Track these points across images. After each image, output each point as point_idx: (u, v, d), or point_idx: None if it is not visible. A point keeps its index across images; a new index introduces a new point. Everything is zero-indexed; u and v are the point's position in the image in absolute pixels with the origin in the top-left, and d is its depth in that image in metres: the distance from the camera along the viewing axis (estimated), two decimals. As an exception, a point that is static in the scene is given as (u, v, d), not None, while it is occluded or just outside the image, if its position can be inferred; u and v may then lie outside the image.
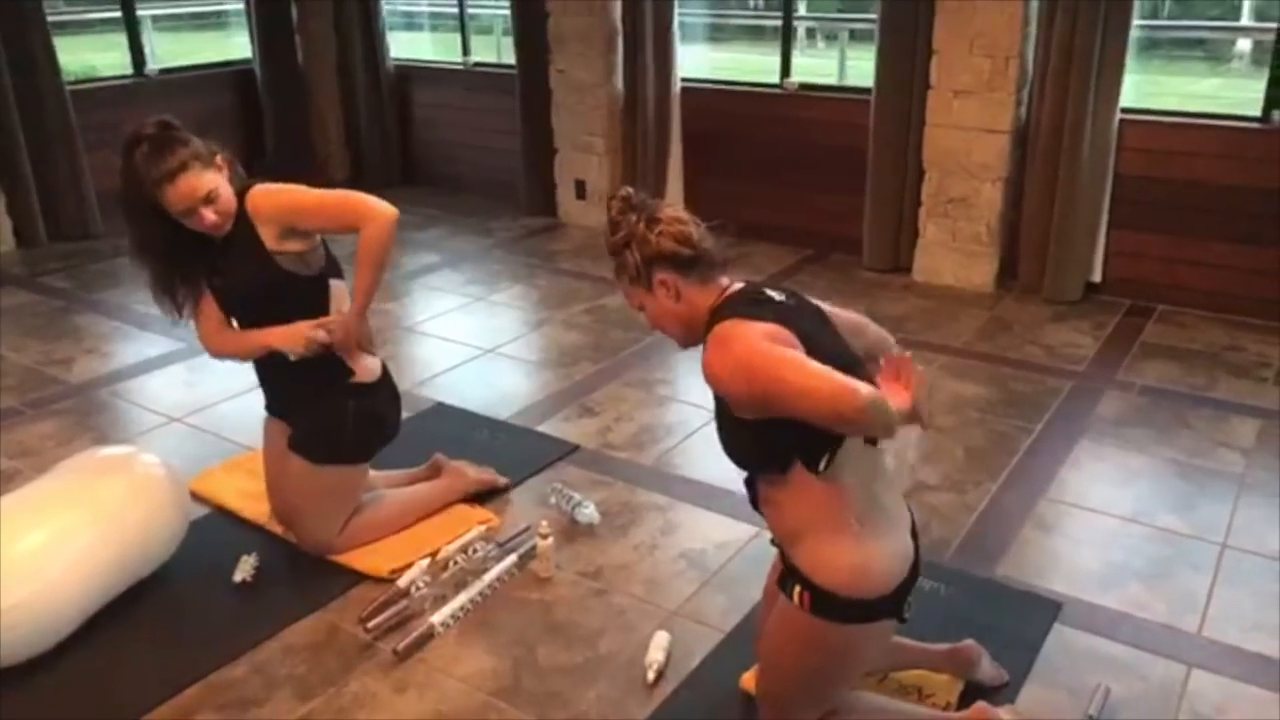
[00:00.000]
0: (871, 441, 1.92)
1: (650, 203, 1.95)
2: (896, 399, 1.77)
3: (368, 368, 2.74)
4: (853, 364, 1.94)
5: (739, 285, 1.96)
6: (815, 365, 1.72)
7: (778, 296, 1.93)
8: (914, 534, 1.99)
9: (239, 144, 6.78)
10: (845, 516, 1.85)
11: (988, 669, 2.29)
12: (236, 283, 2.59)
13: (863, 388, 1.67)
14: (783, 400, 1.72)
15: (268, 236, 2.52)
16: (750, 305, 1.88)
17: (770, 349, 1.75)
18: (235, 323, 2.67)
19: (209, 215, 2.45)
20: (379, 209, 2.54)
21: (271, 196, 2.53)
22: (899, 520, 1.95)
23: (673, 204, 1.99)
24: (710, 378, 1.82)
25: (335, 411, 2.69)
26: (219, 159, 2.50)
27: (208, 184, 2.43)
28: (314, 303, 2.63)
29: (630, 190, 1.98)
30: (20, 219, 5.61)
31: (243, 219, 2.52)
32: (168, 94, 6.43)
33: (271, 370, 2.71)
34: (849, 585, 1.85)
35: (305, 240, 2.59)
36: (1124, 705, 2.24)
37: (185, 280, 2.59)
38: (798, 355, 1.75)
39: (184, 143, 2.42)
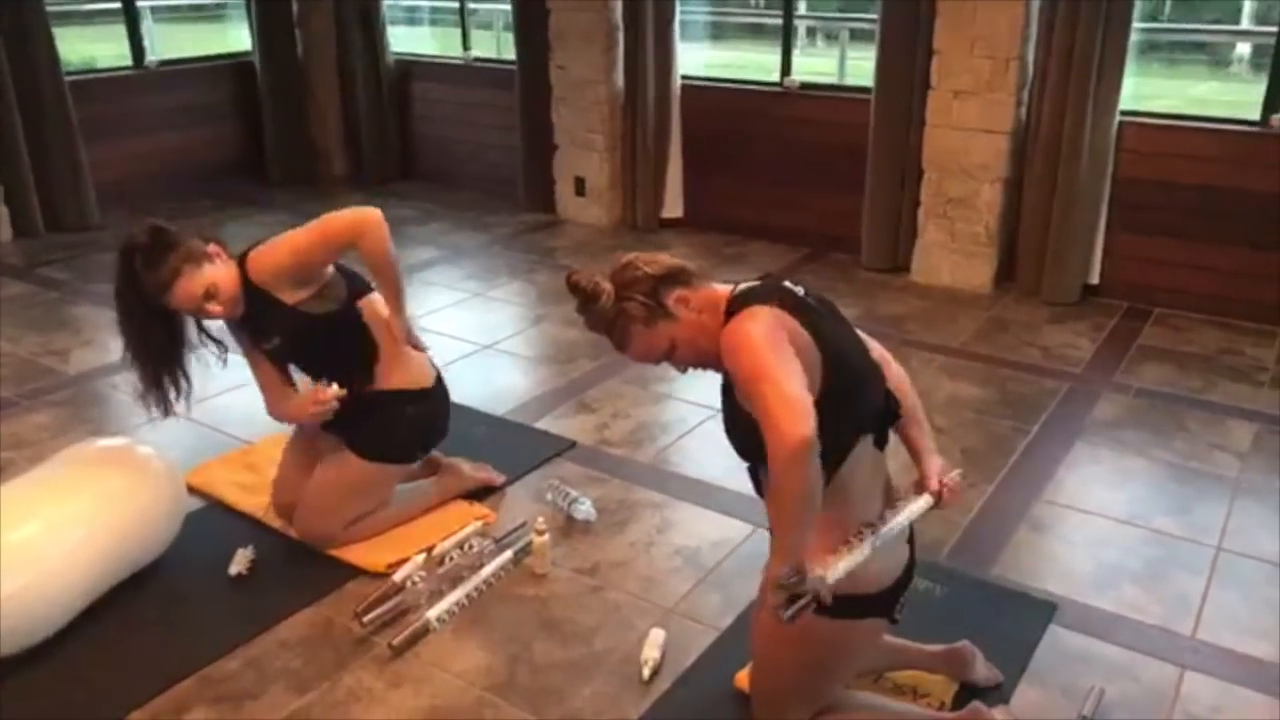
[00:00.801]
0: (879, 446, 1.92)
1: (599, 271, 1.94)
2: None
3: (420, 372, 2.83)
4: (869, 365, 1.92)
5: (751, 282, 1.92)
6: (806, 397, 1.63)
7: (798, 291, 1.89)
8: (910, 539, 1.99)
9: (238, 137, 6.79)
10: (840, 519, 1.86)
11: (981, 670, 2.29)
12: (280, 344, 2.68)
13: (807, 468, 1.60)
14: (754, 409, 1.68)
15: (285, 294, 2.60)
16: (773, 294, 1.84)
17: (777, 357, 1.68)
18: (298, 370, 2.79)
19: (214, 309, 2.55)
20: (362, 217, 2.61)
21: (268, 259, 2.59)
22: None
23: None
24: (723, 349, 1.77)
25: (393, 415, 2.77)
26: (210, 249, 2.55)
27: (205, 281, 2.50)
28: (353, 330, 2.71)
29: (572, 270, 1.95)
30: (18, 210, 5.59)
31: (255, 290, 2.59)
32: (167, 86, 6.43)
33: (311, 374, 2.78)
34: (847, 581, 1.84)
35: (320, 279, 2.65)
36: (1118, 707, 2.25)
37: (176, 376, 2.62)
38: (791, 378, 1.66)
39: (174, 248, 2.48)
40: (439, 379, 2.89)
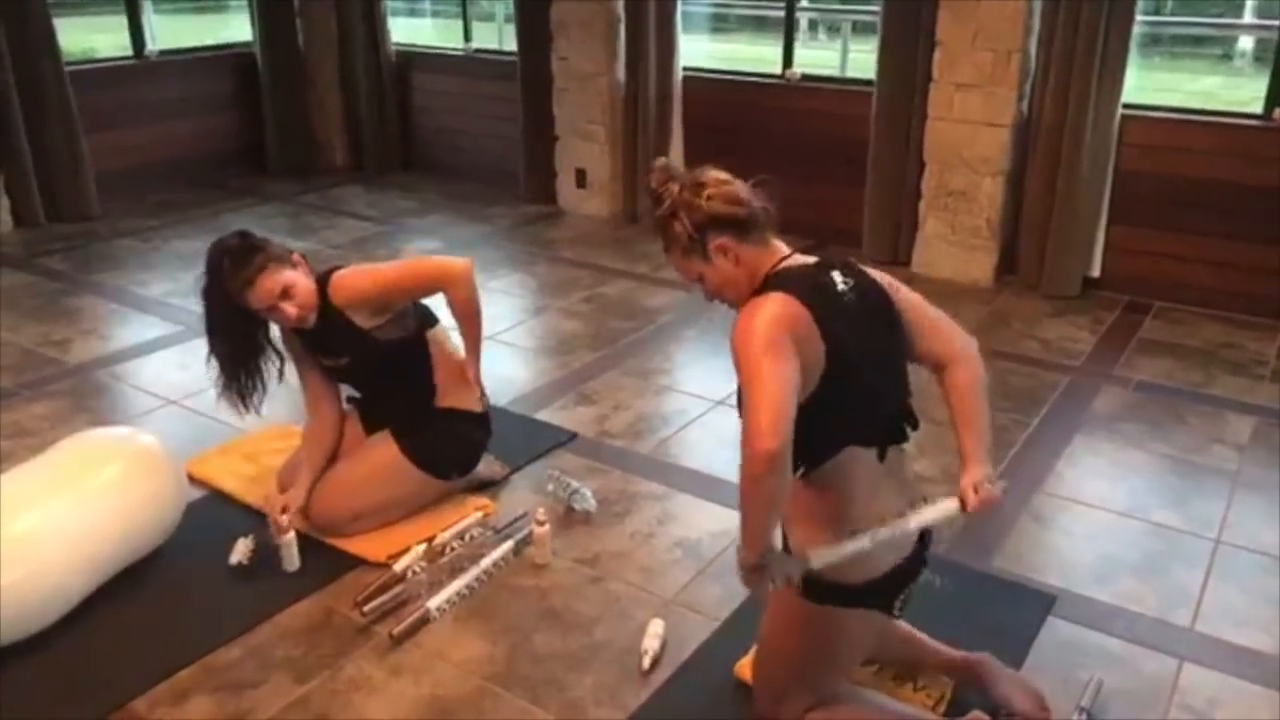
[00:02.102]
0: (880, 457, 1.90)
1: (691, 170, 1.86)
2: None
3: (474, 400, 2.93)
4: (887, 381, 1.88)
5: (810, 258, 1.86)
6: (784, 409, 1.63)
7: (840, 284, 1.83)
8: (923, 538, 1.98)
9: (238, 128, 6.78)
10: (836, 516, 1.87)
11: (1014, 694, 2.13)
12: (347, 364, 2.79)
13: (769, 479, 1.64)
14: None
15: (360, 319, 2.71)
16: (802, 282, 1.79)
17: (771, 361, 1.67)
18: (354, 389, 2.94)
19: (289, 309, 2.62)
20: (455, 268, 2.76)
21: (350, 284, 2.70)
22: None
23: (713, 168, 1.87)
24: (735, 330, 1.76)
25: (446, 428, 2.87)
26: (294, 257, 2.68)
27: (284, 280, 2.61)
28: (418, 357, 2.84)
29: (667, 160, 1.91)
30: (18, 200, 5.59)
31: (332, 308, 2.68)
32: (168, 76, 6.41)
33: (371, 406, 2.94)
34: (832, 568, 1.86)
35: (393, 308, 2.75)
36: (1116, 698, 2.25)
37: (254, 376, 2.75)
38: (779, 385, 1.65)
39: (261, 249, 2.61)
40: (487, 412, 2.98)
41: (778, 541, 1.88)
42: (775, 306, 1.74)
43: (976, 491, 1.82)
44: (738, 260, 1.82)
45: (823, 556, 1.81)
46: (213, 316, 2.66)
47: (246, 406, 2.77)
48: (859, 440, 1.86)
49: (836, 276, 1.84)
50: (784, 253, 1.87)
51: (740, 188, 1.84)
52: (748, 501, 1.72)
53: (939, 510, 1.87)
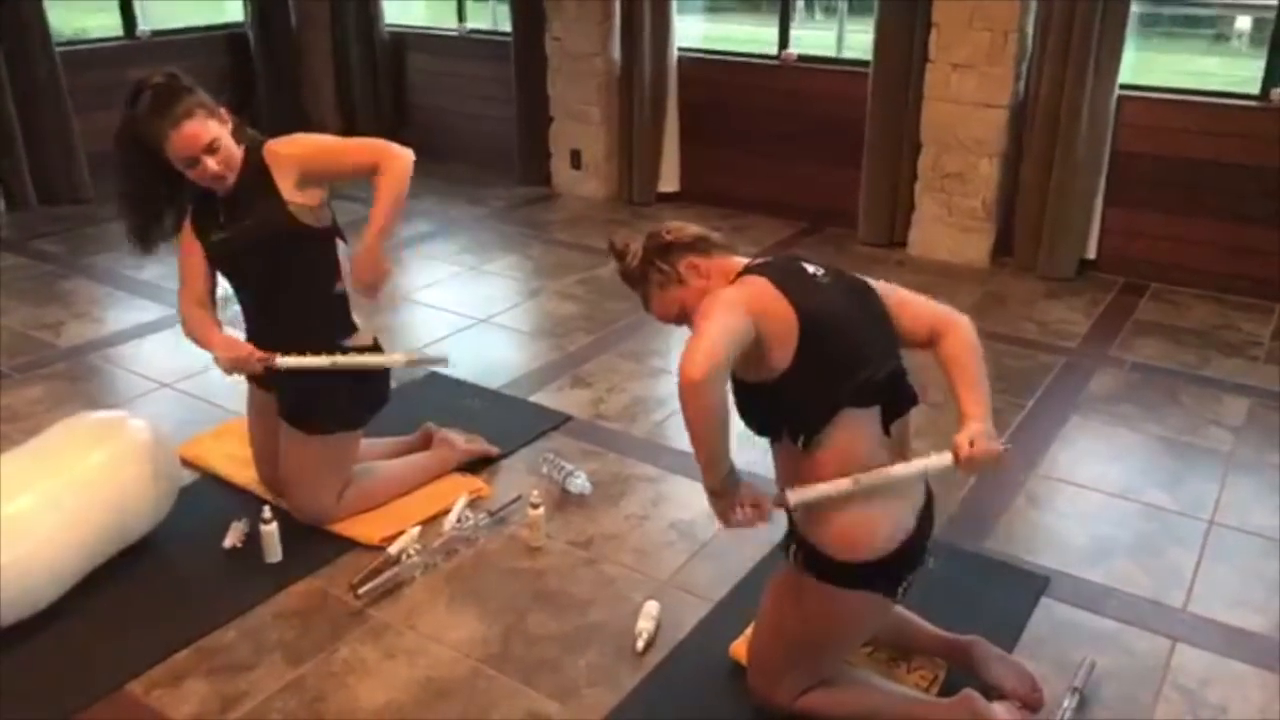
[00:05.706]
0: (885, 429, 1.91)
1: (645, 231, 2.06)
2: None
3: (362, 333, 2.73)
4: (868, 348, 1.91)
5: (776, 256, 2.04)
6: (718, 349, 1.72)
7: (813, 271, 1.97)
8: (928, 518, 1.99)
9: (231, 109, 6.71)
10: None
11: (1007, 677, 2.15)
12: (243, 231, 2.54)
13: (695, 398, 1.72)
14: None
15: (285, 185, 2.53)
16: (773, 268, 1.93)
17: (723, 312, 1.78)
18: (233, 285, 2.66)
19: (211, 164, 2.44)
20: (399, 149, 2.61)
21: (292, 144, 2.57)
22: (905, 499, 1.93)
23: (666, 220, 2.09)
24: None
25: (330, 386, 2.65)
26: (223, 112, 2.52)
27: (211, 132, 2.44)
28: (321, 260, 2.62)
29: (613, 237, 2.09)
30: (10, 182, 5.55)
31: (257, 169, 2.53)
32: (159, 56, 6.34)
33: (266, 335, 2.64)
34: (835, 546, 1.89)
35: (320, 190, 2.60)
36: (1109, 678, 2.26)
37: (164, 226, 2.59)
38: (722, 329, 1.76)
39: (189, 91, 2.45)
40: (375, 343, 2.77)
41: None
42: (742, 285, 1.88)
43: (972, 445, 1.80)
44: (708, 273, 1.98)
45: (800, 494, 1.87)
46: (128, 161, 2.47)
47: (147, 248, 2.59)
48: (852, 401, 1.87)
49: (808, 266, 1.98)
50: (753, 259, 2.01)
51: (692, 226, 2.04)
52: (689, 425, 1.78)
53: (930, 462, 1.86)
